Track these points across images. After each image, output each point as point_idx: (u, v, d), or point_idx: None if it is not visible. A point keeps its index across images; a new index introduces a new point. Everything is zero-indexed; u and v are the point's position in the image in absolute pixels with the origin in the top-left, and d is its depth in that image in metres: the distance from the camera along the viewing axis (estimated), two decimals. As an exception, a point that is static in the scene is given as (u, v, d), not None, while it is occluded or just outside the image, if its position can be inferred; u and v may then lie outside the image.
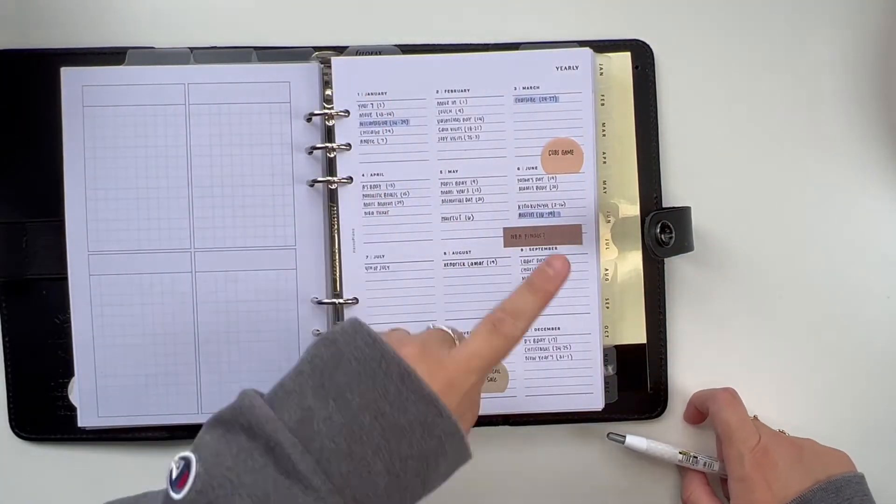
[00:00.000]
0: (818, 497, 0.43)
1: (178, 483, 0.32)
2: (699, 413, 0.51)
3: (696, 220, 0.51)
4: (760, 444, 0.45)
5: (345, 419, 0.33)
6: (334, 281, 0.50)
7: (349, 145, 0.49)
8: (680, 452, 0.49)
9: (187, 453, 0.33)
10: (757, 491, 0.43)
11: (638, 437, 0.49)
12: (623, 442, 0.49)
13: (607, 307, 0.51)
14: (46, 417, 0.50)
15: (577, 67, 0.49)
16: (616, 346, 0.51)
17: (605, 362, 0.50)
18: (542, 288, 0.37)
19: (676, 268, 0.52)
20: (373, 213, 0.49)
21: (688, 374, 0.52)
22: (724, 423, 0.46)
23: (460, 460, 0.35)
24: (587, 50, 0.49)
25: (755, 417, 0.48)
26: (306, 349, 0.36)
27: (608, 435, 0.50)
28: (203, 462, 0.32)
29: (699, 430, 0.52)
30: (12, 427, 0.50)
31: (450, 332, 0.38)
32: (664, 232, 0.49)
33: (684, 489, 0.50)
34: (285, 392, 0.34)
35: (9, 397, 0.50)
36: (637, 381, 0.51)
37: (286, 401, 0.34)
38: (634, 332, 0.51)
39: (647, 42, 0.52)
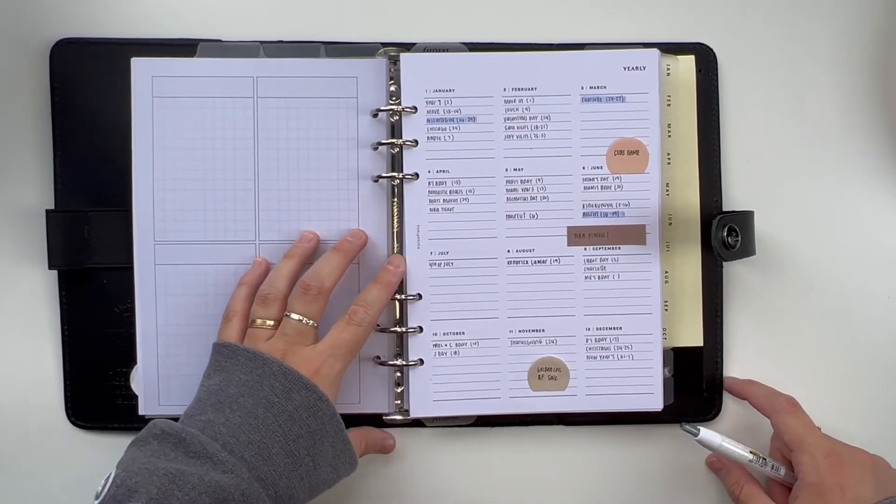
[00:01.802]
0: None
1: (100, 494, 0.38)
2: (740, 391, 0.50)
3: (755, 224, 0.51)
4: (834, 450, 0.45)
5: (242, 418, 0.40)
6: (395, 276, 0.50)
7: (416, 141, 0.49)
8: (751, 452, 0.48)
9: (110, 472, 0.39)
10: (829, 496, 0.43)
11: (712, 433, 0.48)
12: (696, 435, 0.48)
13: (666, 309, 0.51)
14: (103, 406, 0.50)
15: (644, 68, 0.49)
16: (673, 349, 0.51)
17: (663, 364, 0.50)
18: (386, 281, 0.47)
19: (734, 271, 0.52)
20: (438, 209, 0.49)
21: (743, 378, 0.52)
22: (793, 430, 0.46)
23: (339, 441, 0.43)
24: (654, 51, 0.49)
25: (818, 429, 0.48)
26: (199, 387, 0.43)
27: (681, 426, 0.48)
28: (120, 466, 0.38)
29: (751, 433, 0.52)
30: (69, 415, 0.50)
31: (304, 321, 0.44)
32: (731, 235, 0.49)
33: (734, 485, 0.49)
34: (187, 416, 0.41)
35: (66, 386, 0.50)
36: (692, 384, 0.52)
37: (190, 420, 0.41)
38: (691, 335, 0.51)
39: (711, 46, 0.52)
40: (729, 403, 0.52)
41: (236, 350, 0.43)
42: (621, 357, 0.49)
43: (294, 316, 0.44)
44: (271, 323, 0.45)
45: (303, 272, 0.46)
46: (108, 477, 0.38)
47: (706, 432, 0.48)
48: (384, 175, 0.49)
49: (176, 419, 0.49)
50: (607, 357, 0.49)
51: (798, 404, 0.48)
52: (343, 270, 0.46)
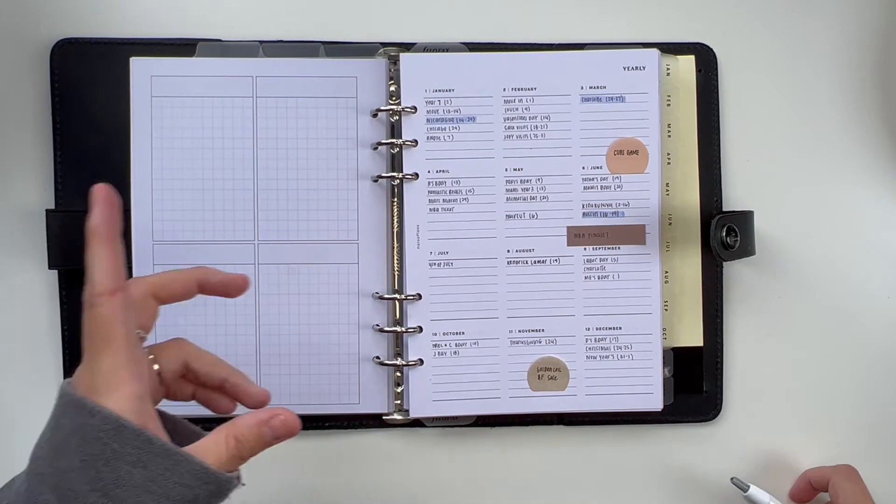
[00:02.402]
0: None
1: None
2: (810, 489, 0.50)
3: (755, 224, 0.51)
4: None
5: (33, 463, 0.33)
6: (394, 276, 0.50)
7: (415, 141, 0.49)
8: None
9: None
10: None
11: (762, 492, 0.49)
12: (746, 491, 0.49)
13: (666, 309, 0.51)
14: (103, 407, 0.50)
15: (643, 68, 0.49)
16: (673, 349, 0.51)
17: (663, 364, 0.50)
18: (89, 229, 0.33)
19: (734, 271, 0.52)
20: (437, 209, 0.49)
21: (743, 378, 0.52)
22: (852, 495, 0.46)
23: (148, 453, 0.31)
24: (654, 51, 0.49)
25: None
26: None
27: (731, 480, 0.50)
28: None
29: (753, 440, 0.52)
30: (69, 416, 0.50)
31: None
32: (730, 235, 0.49)
33: None
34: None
35: (66, 386, 0.50)
36: (693, 384, 0.51)
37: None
38: (691, 335, 0.51)
39: (711, 46, 0.52)
40: (729, 404, 0.52)
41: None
42: (621, 357, 0.49)
43: None
44: None
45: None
46: None
47: (756, 490, 0.49)
48: (384, 175, 0.49)
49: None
50: (607, 357, 0.49)
51: (857, 472, 0.48)
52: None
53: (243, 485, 0.33)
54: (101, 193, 0.34)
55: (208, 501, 0.32)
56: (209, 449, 0.33)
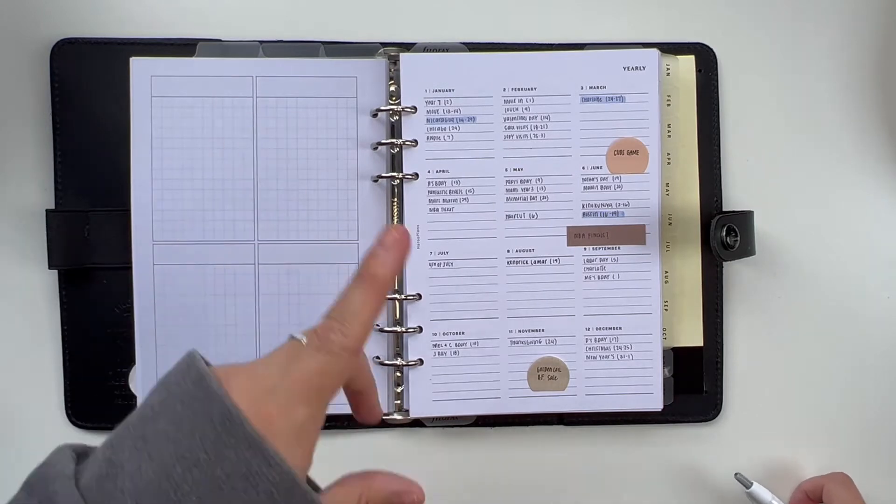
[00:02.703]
0: None
1: None
2: (807, 500, 0.50)
3: (755, 224, 0.51)
4: None
5: (154, 473, 0.27)
6: (395, 276, 0.50)
7: (415, 141, 0.49)
8: None
9: None
10: None
11: (764, 489, 0.49)
12: (749, 487, 0.49)
13: (666, 309, 0.51)
14: (103, 406, 0.50)
15: (643, 68, 0.49)
16: (673, 349, 0.51)
17: (663, 364, 0.50)
18: (375, 275, 0.31)
19: (734, 271, 0.52)
20: (437, 209, 0.49)
21: (743, 378, 0.52)
22: (846, 501, 0.46)
23: None
24: (654, 51, 0.49)
25: None
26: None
27: (735, 475, 0.50)
28: None
29: (753, 440, 0.52)
30: (68, 415, 0.50)
31: (303, 339, 0.30)
32: (729, 235, 0.49)
33: None
34: (107, 445, 0.28)
35: (66, 385, 0.50)
36: (693, 384, 0.51)
37: (99, 454, 0.28)
38: (691, 335, 0.51)
39: (711, 46, 0.52)
40: (729, 404, 0.52)
41: (191, 362, 0.29)
42: (621, 357, 0.49)
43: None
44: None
45: None
46: None
47: (759, 487, 0.49)
48: (384, 175, 0.49)
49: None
50: (607, 357, 0.49)
51: (850, 479, 0.48)
52: (377, 312, 0.32)
53: None
54: (399, 237, 0.32)
55: None
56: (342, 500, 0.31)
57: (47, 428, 0.50)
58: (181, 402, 0.28)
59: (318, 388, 0.29)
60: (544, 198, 0.49)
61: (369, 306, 0.31)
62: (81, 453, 0.30)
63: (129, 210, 0.48)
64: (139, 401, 0.49)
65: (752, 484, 0.49)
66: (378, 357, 0.49)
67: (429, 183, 0.49)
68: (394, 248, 0.32)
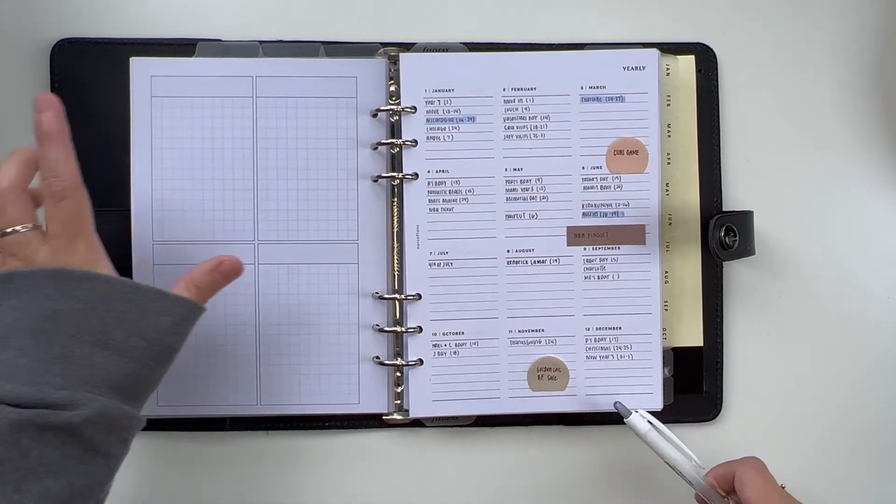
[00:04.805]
0: None
1: None
2: (723, 484, 0.45)
3: (755, 223, 0.51)
4: None
5: (32, 341, 0.35)
6: (394, 276, 0.50)
7: (415, 141, 0.49)
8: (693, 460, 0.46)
9: None
10: None
11: (641, 418, 0.46)
12: (627, 416, 0.47)
13: (666, 309, 0.51)
14: (103, 407, 0.50)
15: (643, 68, 0.49)
16: (673, 348, 0.51)
17: (663, 364, 0.50)
18: (48, 133, 0.39)
19: (734, 271, 0.52)
20: (437, 209, 0.49)
21: (743, 378, 0.52)
22: (754, 484, 0.43)
23: (170, 303, 0.39)
24: (654, 51, 0.49)
25: (783, 486, 0.45)
26: None
27: (615, 404, 0.47)
28: None
29: (753, 440, 0.52)
30: (69, 416, 0.50)
31: (9, 232, 0.38)
32: (728, 235, 0.49)
33: None
34: None
35: (66, 386, 0.50)
36: (693, 384, 0.51)
37: None
38: (691, 335, 0.51)
39: (711, 46, 0.52)
40: (730, 404, 0.52)
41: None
42: (621, 357, 0.49)
43: (1, 231, 0.39)
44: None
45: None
46: None
47: (637, 417, 0.46)
48: (384, 175, 0.49)
49: (175, 420, 0.49)
50: (607, 357, 0.49)
51: (763, 464, 0.44)
52: (25, 159, 0.40)
53: (205, 309, 0.41)
54: (47, 100, 0.39)
55: (187, 323, 0.40)
56: (180, 294, 0.40)
57: (47, 428, 0.50)
58: (7, 301, 0.37)
59: (75, 224, 0.39)
60: (544, 198, 0.49)
61: (62, 153, 0.39)
62: None
63: (129, 210, 0.48)
64: (139, 401, 0.49)
65: (630, 414, 0.47)
66: (378, 357, 0.49)
67: (429, 183, 0.49)
68: (47, 108, 0.39)
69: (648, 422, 0.47)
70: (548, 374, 0.49)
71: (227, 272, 0.42)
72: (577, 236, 0.49)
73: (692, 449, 0.46)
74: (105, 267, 0.40)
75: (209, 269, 0.42)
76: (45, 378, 0.35)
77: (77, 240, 0.39)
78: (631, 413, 0.47)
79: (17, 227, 0.38)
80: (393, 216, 0.50)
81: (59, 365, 0.35)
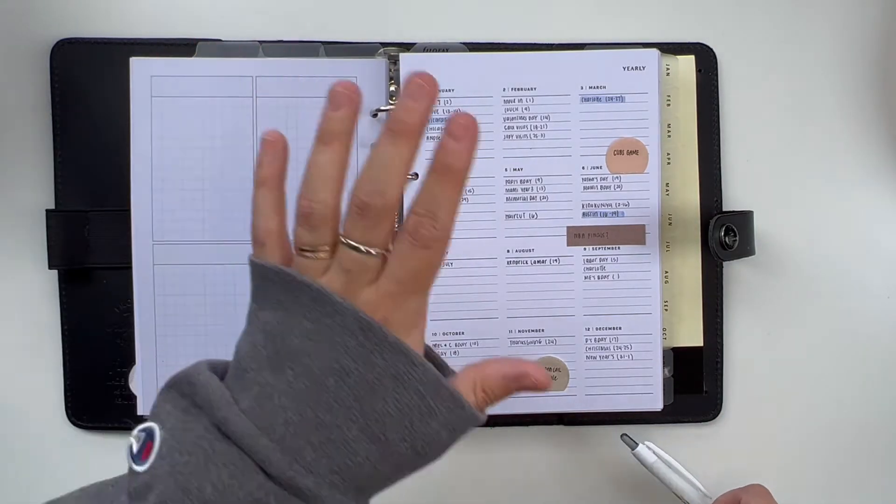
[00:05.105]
0: None
1: (140, 455, 0.30)
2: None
3: (755, 223, 0.51)
4: None
5: (307, 386, 0.30)
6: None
7: (415, 141, 0.49)
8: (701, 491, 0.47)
9: (148, 424, 0.31)
10: None
11: (648, 451, 0.48)
12: (633, 448, 0.49)
13: (666, 309, 0.51)
14: (103, 406, 0.50)
15: (643, 68, 0.49)
16: (673, 349, 0.51)
17: (663, 364, 0.50)
18: (449, 168, 0.31)
19: (734, 271, 0.52)
20: (437, 209, 0.49)
21: (743, 378, 0.52)
22: None
23: (459, 418, 0.31)
24: (654, 51, 0.49)
25: None
26: (250, 314, 0.33)
27: (622, 436, 0.49)
28: (167, 430, 0.30)
29: (753, 440, 0.52)
30: (68, 415, 0.50)
31: (368, 251, 0.31)
32: (728, 235, 0.49)
33: None
34: (239, 369, 0.31)
35: (66, 385, 0.50)
36: (693, 384, 0.51)
37: (241, 380, 0.31)
38: (691, 335, 0.51)
39: (711, 46, 0.52)
40: (729, 404, 0.52)
41: (296, 283, 0.31)
42: (621, 357, 0.49)
43: (353, 244, 0.31)
44: (326, 251, 0.32)
45: (348, 163, 0.33)
46: (148, 433, 0.30)
47: (643, 448, 0.48)
48: (384, 175, 0.49)
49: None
50: (607, 357, 0.49)
51: (768, 491, 0.46)
52: (411, 165, 0.32)
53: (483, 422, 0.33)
54: (467, 123, 0.31)
55: (459, 440, 0.33)
56: (465, 387, 0.33)
57: (47, 428, 0.50)
58: (307, 318, 0.30)
59: (425, 280, 0.32)
60: (544, 198, 0.49)
61: (452, 199, 0.31)
62: (215, 368, 0.32)
63: (129, 210, 0.48)
64: (139, 401, 0.49)
65: (636, 445, 0.49)
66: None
67: (429, 183, 0.49)
68: (465, 137, 0.31)
69: (654, 453, 0.48)
70: (548, 374, 0.49)
71: (531, 388, 0.34)
72: (577, 236, 0.49)
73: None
74: (417, 336, 0.33)
75: (510, 377, 0.33)
76: (301, 445, 0.29)
77: (413, 296, 0.32)
78: (637, 445, 0.49)
79: (371, 250, 0.31)
80: (393, 216, 0.50)
81: (321, 436, 0.30)
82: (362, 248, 0.31)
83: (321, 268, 0.32)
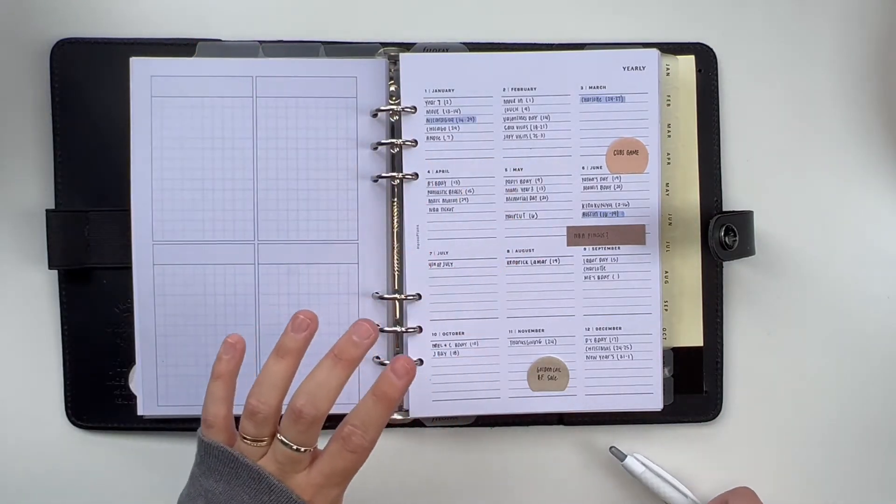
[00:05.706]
0: None
1: None
2: None
3: (755, 223, 0.51)
4: None
5: None
6: (394, 277, 0.50)
7: (415, 141, 0.49)
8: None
9: None
10: None
11: (636, 462, 0.49)
12: (622, 460, 0.49)
13: (666, 309, 0.51)
14: (103, 406, 0.50)
15: (643, 68, 0.49)
16: (673, 349, 0.51)
17: (663, 364, 0.50)
18: (386, 395, 0.38)
19: (734, 271, 0.52)
20: (437, 209, 0.49)
21: (743, 378, 0.52)
22: None
23: None
24: (654, 51, 0.49)
25: None
26: (193, 477, 0.40)
27: (610, 449, 0.50)
28: None
29: (753, 440, 0.52)
30: (69, 416, 0.50)
31: (298, 449, 0.39)
32: (728, 235, 0.49)
33: None
34: None
35: (66, 386, 0.50)
36: (693, 384, 0.51)
37: None
38: (691, 335, 0.51)
39: (711, 46, 0.52)
40: (729, 404, 0.52)
41: (238, 463, 0.38)
42: (621, 357, 0.49)
43: (287, 442, 0.38)
44: (265, 441, 0.39)
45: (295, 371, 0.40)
46: None
47: (632, 460, 0.49)
48: (384, 175, 0.49)
49: (175, 420, 0.49)
50: (607, 357, 0.49)
51: (755, 493, 0.47)
52: (342, 387, 0.39)
53: None
54: (409, 367, 0.39)
55: None
56: None
57: (47, 428, 0.50)
58: (245, 492, 0.38)
59: (346, 476, 0.40)
60: (544, 198, 0.49)
61: (382, 418, 0.39)
62: None
63: (129, 210, 0.49)
64: (139, 401, 0.49)
65: (625, 456, 0.49)
66: (378, 357, 0.49)
67: (429, 183, 0.49)
68: (405, 377, 0.39)
69: (643, 464, 0.49)
70: (548, 374, 0.49)
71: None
72: (577, 236, 0.49)
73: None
74: None
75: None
76: None
77: (335, 488, 0.39)
78: (626, 456, 0.49)
79: (301, 448, 0.38)
80: (393, 216, 0.50)
81: None
82: (293, 446, 0.38)
83: (259, 453, 0.39)
